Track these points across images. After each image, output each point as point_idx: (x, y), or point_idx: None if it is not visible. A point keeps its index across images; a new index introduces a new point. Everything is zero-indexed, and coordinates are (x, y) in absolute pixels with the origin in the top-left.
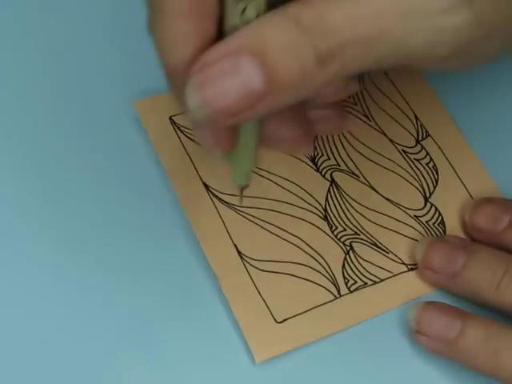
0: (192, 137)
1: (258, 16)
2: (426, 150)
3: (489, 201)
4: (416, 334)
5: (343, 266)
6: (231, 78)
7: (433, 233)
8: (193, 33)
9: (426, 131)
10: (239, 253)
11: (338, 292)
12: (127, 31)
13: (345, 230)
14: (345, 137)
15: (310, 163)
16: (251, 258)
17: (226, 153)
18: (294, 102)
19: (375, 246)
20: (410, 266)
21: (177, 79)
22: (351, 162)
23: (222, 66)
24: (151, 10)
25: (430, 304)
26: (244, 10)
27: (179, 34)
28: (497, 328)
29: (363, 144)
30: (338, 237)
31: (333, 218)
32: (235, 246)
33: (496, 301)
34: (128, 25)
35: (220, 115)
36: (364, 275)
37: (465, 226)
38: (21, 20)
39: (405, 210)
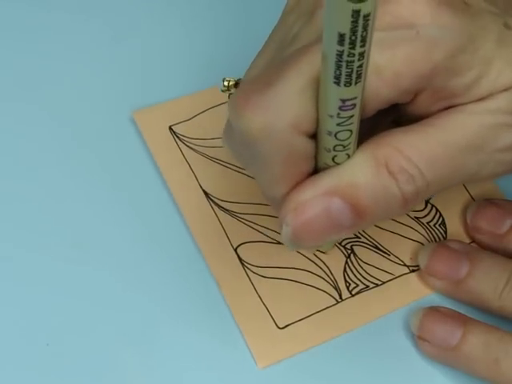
0: (191, 145)
1: (348, 156)
2: None
3: (491, 202)
4: (418, 340)
5: (344, 269)
6: (322, 221)
7: (434, 234)
8: (289, 175)
9: None
10: (240, 260)
11: (340, 296)
12: (127, 41)
13: None
14: None
15: None
16: (252, 265)
17: None
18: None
19: (376, 248)
20: (411, 268)
21: (276, 204)
22: None
23: (314, 208)
24: (252, 157)
25: (432, 309)
26: (334, 156)
27: (278, 178)
28: (498, 335)
29: None
30: (339, 240)
31: None
32: (236, 253)
33: (498, 309)
34: (128, 34)
35: (308, 247)
36: (365, 278)
37: (466, 227)
38: (20, 33)
39: None
